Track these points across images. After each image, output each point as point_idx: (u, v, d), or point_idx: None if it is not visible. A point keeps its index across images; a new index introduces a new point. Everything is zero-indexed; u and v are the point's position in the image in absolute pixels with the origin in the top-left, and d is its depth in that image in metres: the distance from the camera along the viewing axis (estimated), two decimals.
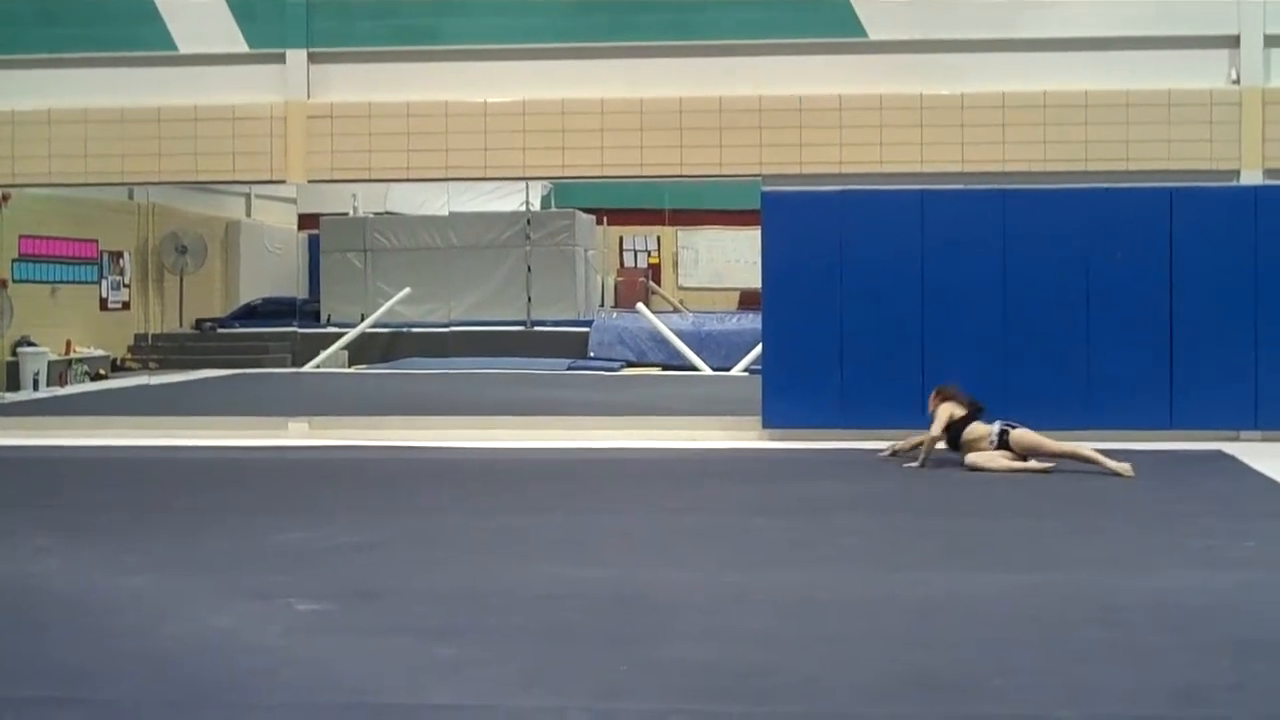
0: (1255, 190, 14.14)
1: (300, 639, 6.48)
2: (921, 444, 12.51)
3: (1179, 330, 13.89)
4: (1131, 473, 11.59)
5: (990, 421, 12.28)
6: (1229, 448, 13.33)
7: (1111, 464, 11.70)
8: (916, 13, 14.77)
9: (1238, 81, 14.39)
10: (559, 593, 7.40)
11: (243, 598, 7.27)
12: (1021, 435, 12.11)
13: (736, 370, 20.31)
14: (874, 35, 14.78)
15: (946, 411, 12.47)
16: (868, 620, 6.86)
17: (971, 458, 12.20)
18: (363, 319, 22.75)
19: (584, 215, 24.32)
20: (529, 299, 23.19)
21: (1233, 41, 14.43)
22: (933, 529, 9.49)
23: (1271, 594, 7.41)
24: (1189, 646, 6.30)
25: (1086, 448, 12.01)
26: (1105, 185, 14.22)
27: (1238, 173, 14.29)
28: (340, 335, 21.99)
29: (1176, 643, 6.36)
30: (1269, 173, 14.28)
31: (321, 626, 6.72)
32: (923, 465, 12.32)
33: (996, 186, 14.32)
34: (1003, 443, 12.12)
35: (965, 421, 12.38)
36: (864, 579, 7.83)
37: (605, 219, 25.50)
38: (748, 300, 24.25)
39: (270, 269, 22.86)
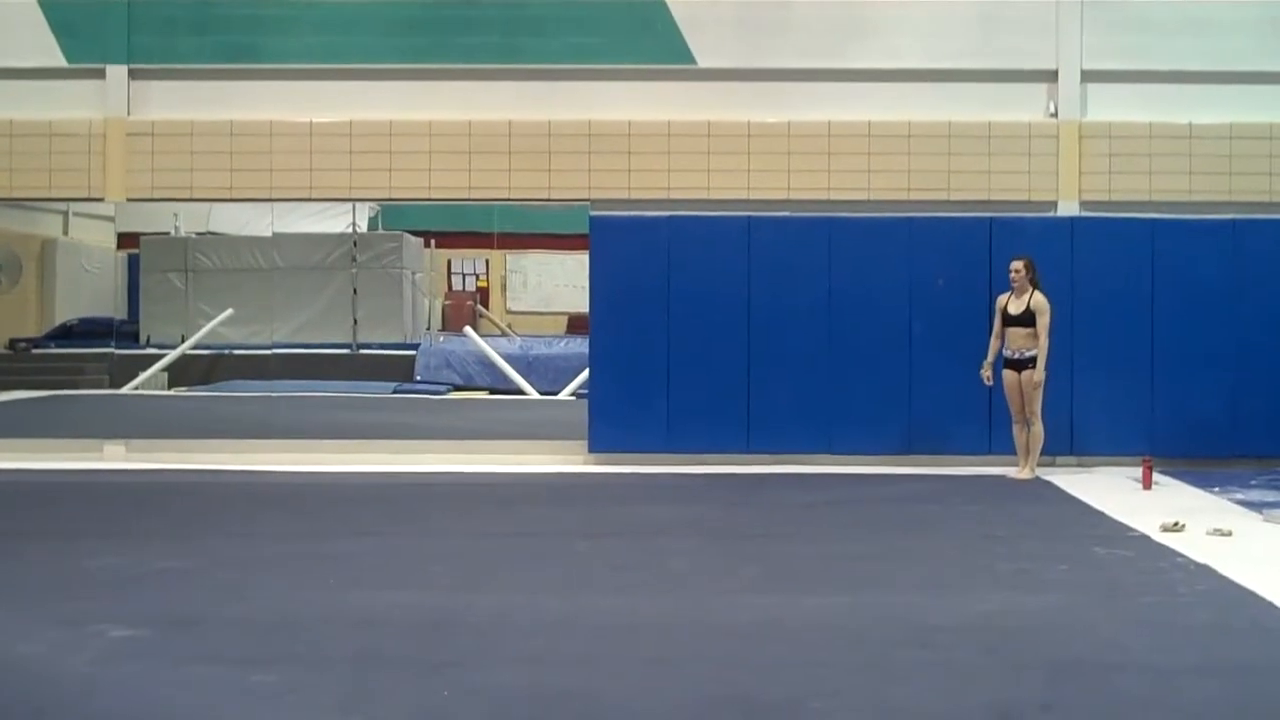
0: (1071, 221, 14.48)
1: (112, 666, 6.33)
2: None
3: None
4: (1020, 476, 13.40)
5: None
6: (1044, 473, 13.58)
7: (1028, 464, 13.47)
8: (745, 41, 14.89)
9: (1055, 115, 14.73)
10: (378, 618, 7.31)
11: (53, 624, 7.08)
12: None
13: (564, 394, 20.33)
14: (703, 63, 14.87)
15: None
16: (689, 644, 6.88)
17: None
18: (183, 340, 22.35)
19: (412, 238, 24.18)
20: (355, 321, 22.97)
21: (1051, 76, 14.76)
22: (756, 553, 9.54)
23: (1082, 615, 7.56)
24: (1002, 667, 6.42)
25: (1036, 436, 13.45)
26: (927, 214, 14.47)
27: (1055, 204, 14.62)
28: (160, 357, 21.59)
29: (990, 663, 6.48)
30: (1085, 204, 14.62)
31: (134, 653, 6.56)
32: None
33: (822, 214, 14.50)
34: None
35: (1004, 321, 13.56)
36: (686, 603, 7.84)
37: (434, 241, 25.37)
38: (576, 324, 24.30)
39: (88, 288, 22.37)
